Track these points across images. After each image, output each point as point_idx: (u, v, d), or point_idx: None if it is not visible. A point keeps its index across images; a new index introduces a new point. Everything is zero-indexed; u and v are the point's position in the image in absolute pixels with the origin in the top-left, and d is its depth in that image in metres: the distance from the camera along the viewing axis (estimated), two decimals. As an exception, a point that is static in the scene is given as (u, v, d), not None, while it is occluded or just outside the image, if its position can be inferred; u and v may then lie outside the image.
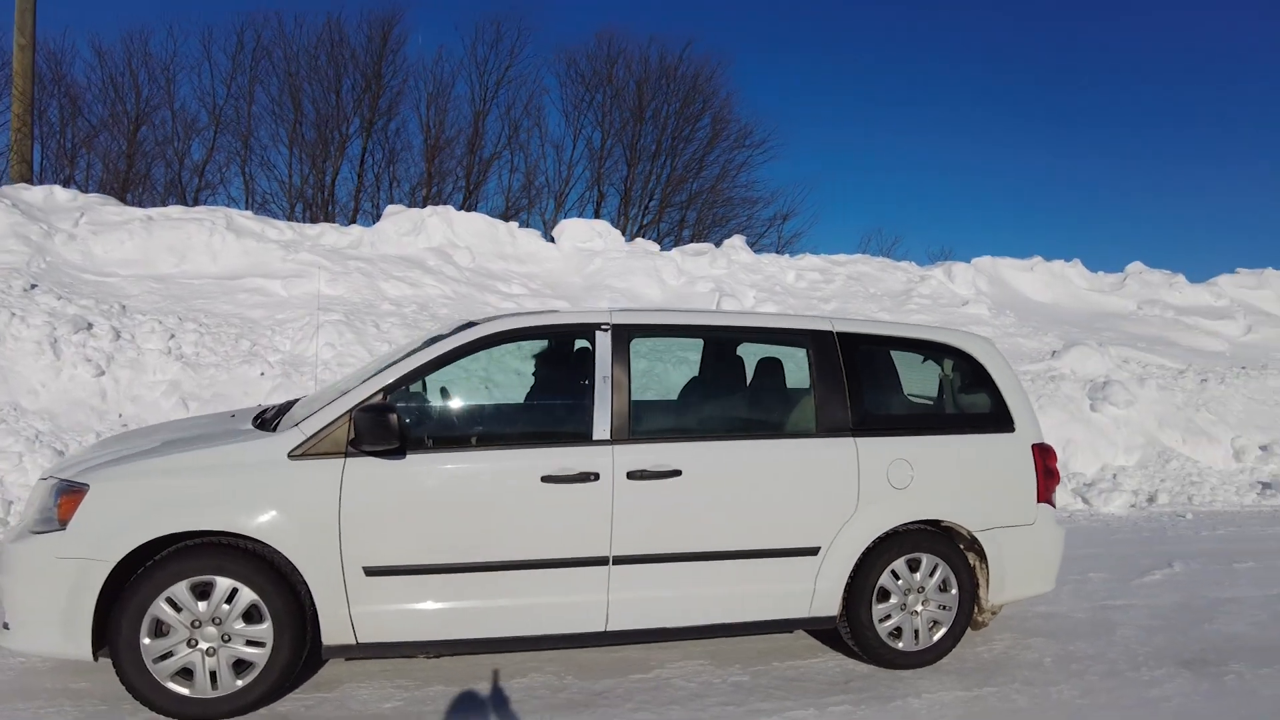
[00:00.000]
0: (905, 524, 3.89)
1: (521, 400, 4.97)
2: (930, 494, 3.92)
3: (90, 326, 7.74)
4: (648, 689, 3.67)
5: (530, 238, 13.00)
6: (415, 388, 3.76)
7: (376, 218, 16.97)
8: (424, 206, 13.42)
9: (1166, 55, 42.26)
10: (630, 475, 3.54)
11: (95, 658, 3.20)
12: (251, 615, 3.27)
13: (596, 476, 3.51)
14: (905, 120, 42.08)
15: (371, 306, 9.72)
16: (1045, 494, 4.12)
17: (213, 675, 3.24)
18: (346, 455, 3.35)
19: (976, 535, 3.98)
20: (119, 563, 3.16)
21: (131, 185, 20.21)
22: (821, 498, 3.78)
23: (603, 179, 25.52)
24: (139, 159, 20.77)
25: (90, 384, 7.28)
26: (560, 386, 4.49)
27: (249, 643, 3.27)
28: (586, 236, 13.16)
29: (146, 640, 3.18)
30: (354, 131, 23.10)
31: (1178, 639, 4.48)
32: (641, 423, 3.76)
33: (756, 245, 19.76)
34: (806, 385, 3.97)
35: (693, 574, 3.65)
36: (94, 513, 3.18)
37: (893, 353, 4.21)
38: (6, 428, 6.43)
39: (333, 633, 3.35)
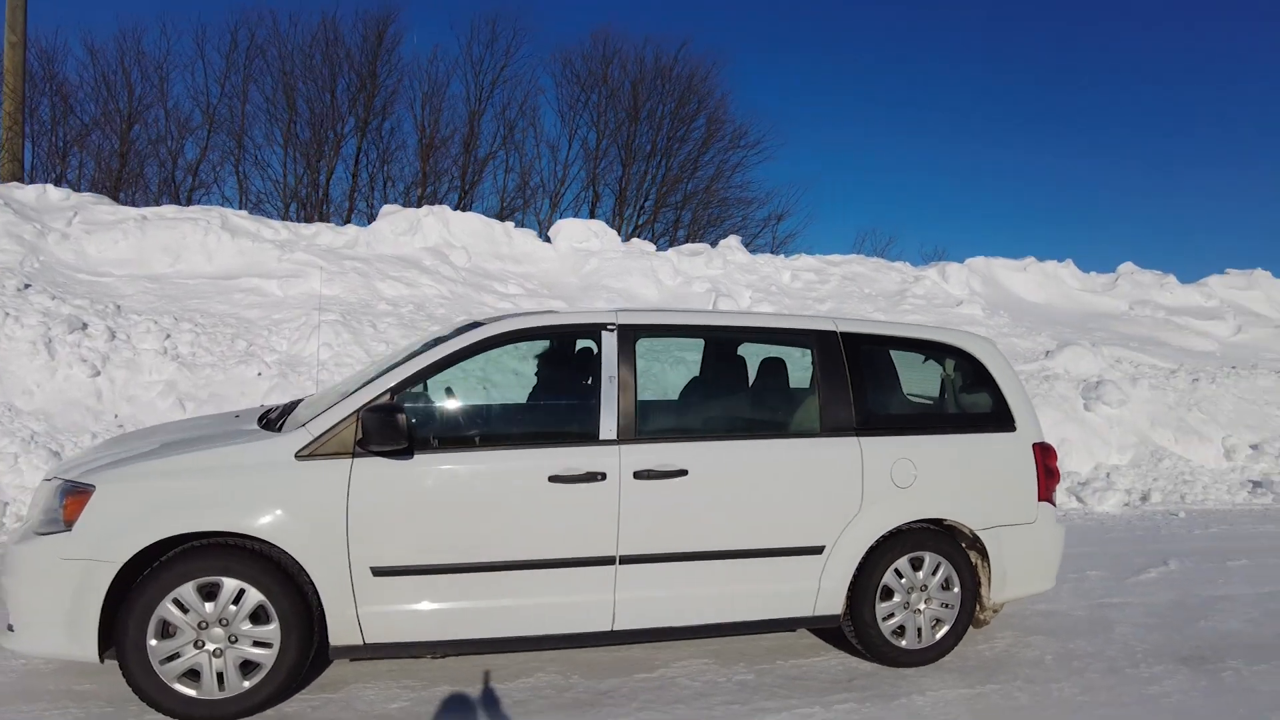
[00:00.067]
0: (908, 523, 3.92)
1: (525, 400, 4.97)
2: (933, 493, 3.95)
3: (85, 326, 7.69)
4: (653, 688, 3.68)
5: (526, 238, 12.98)
6: (420, 388, 3.76)
7: (371, 217, 16.94)
8: (419, 206, 13.38)
9: (1159, 57, 42.58)
10: (637, 475, 3.55)
11: (101, 660, 3.19)
12: (258, 616, 3.26)
13: (603, 476, 3.52)
14: (899, 121, 42.26)
15: (368, 306, 9.70)
16: (1046, 493, 4.15)
17: (220, 676, 3.23)
18: (354, 456, 3.35)
19: (978, 534, 4.01)
20: (125, 564, 3.15)
21: (124, 184, 20.06)
22: (826, 497, 3.80)
23: (598, 179, 25.50)
24: (132, 158, 20.62)
25: (85, 384, 7.25)
26: (565, 387, 4.50)
27: (256, 644, 3.27)
28: (582, 236, 13.14)
29: (153, 641, 3.17)
30: (349, 131, 23.01)
31: (1175, 636, 4.52)
32: (647, 423, 3.78)
33: (751, 245, 19.76)
34: (809, 385, 4.00)
35: (698, 573, 3.67)
36: (100, 514, 3.17)
37: (893, 353, 4.24)
38: (1, 429, 6.39)
39: (340, 633, 3.36)
